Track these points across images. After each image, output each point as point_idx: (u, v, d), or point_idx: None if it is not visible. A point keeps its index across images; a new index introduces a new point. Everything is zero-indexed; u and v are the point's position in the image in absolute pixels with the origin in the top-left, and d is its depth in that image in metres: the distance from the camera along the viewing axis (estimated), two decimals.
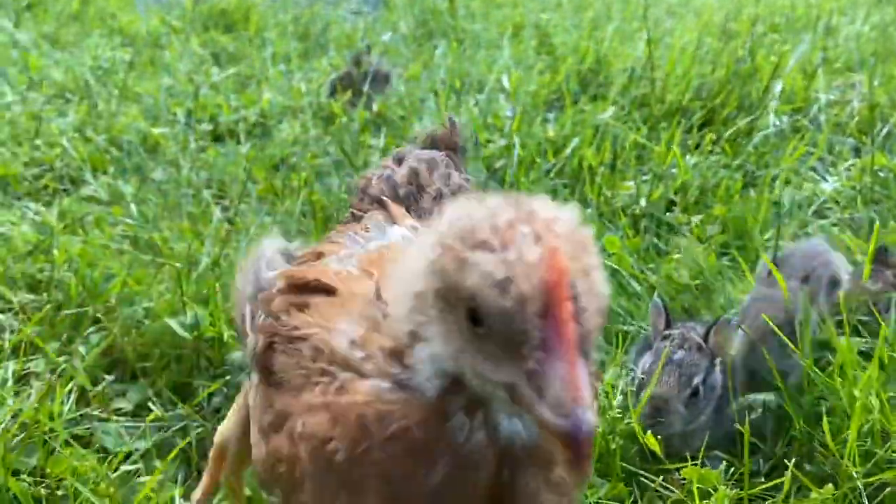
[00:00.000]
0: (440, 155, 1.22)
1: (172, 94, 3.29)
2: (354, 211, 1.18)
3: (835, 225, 2.28)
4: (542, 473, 0.67)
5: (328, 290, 0.87)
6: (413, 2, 5.03)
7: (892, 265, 1.83)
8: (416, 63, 3.75)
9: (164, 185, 2.35)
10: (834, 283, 1.68)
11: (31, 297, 1.77)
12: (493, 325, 0.62)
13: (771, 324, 1.38)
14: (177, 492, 1.32)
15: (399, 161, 1.20)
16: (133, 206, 2.15)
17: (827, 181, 2.55)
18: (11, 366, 1.52)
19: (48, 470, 1.31)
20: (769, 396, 1.34)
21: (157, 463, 1.36)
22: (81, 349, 1.55)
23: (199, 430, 1.45)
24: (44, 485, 1.29)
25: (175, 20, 4.62)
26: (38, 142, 2.65)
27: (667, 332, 1.39)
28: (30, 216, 2.20)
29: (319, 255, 1.00)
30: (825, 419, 1.26)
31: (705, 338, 1.37)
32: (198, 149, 2.77)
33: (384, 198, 1.14)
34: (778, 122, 2.86)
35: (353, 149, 2.74)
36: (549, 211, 0.66)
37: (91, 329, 1.62)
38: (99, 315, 1.65)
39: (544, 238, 0.62)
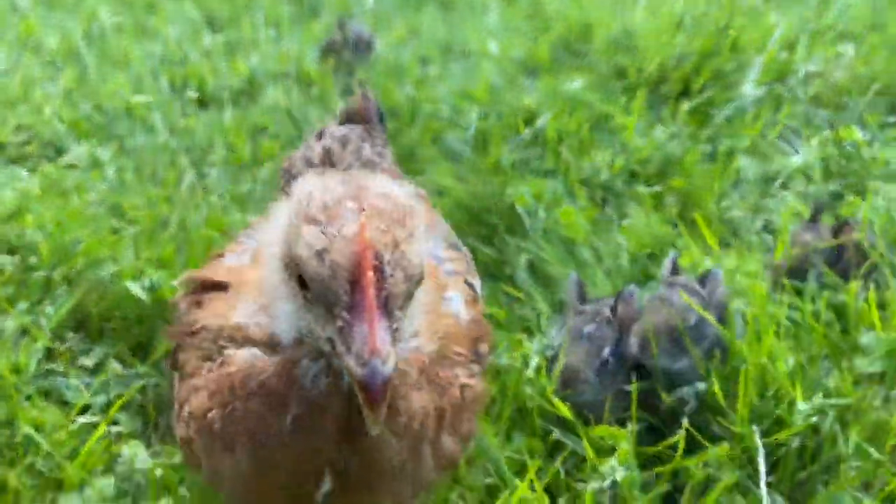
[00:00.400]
0: (356, 129, 1.28)
1: (162, 60, 3.37)
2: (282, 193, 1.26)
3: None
4: (386, 419, 0.76)
5: (220, 286, 0.96)
6: None
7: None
8: (400, 28, 3.78)
9: (141, 152, 2.44)
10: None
11: (8, 258, 1.88)
12: (314, 289, 0.73)
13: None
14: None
15: (319, 138, 1.27)
16: (111, 172, 2.24)
17: (797, 154, 2.58)
18: None
19: (16, 420, 1.43)
20: (684, 363, 1.41)
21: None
22: (49, 309, 1.66)
23: (157, 386, 1.56)
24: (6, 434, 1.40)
25: None
26: (24, 108, 2.74)
27: (581, 308, 1.48)
28: (12, 182, 2.30)
29: (220, 256, 1.08)
30: (716, 382, 1.35)
31: (613, 310, 1.45)
32: (182, 115, 2.85)
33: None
34: (755, 93, 2.88)
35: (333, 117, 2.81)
36: (381, 188, 0.75)
37: (59, 291, 1.72)
38: (69, 277, 1.76)
39: (371, 219, 0.71)
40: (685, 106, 2.73)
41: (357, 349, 0.69)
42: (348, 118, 1.36)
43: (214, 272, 1.01)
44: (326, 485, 0.87)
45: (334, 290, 0.71)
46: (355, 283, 0.70)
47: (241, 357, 0.84)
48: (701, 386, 1.39)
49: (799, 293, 1.72)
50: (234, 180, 2.35)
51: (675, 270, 1.62)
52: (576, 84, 2.72)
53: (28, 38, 3.64)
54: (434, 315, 0.93)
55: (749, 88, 2.91)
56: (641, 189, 2.24)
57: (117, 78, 3.06)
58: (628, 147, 2.43)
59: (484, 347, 1.03)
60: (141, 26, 3.92)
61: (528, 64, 3.26)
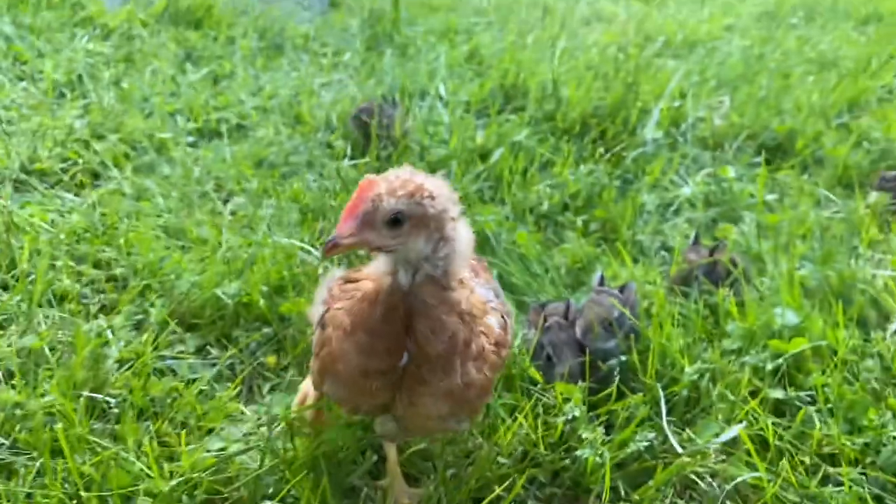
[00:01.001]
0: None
1: (158, 93, 3.87)
2: None
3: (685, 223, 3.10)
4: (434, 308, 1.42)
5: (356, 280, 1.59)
6: (361, 4, 5.66)
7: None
8: (366, 72, 4.40)
9: (174, 181, 2.99)
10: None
11: (96, 272, 2.42)
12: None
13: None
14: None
15: None
16: (160, 200, 2.79)
17: (686, 187, 3.36)
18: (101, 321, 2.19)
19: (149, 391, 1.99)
20: (612, 343, 2.13)
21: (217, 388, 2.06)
22: (151, 309, 2.23)
23: (242, 367, 2.15)
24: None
25: (142, 14, 5.09)
26: (58, 137, 3.21)
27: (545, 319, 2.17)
28: (69, 205, 2.81)
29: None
30: (634, 355, 2.07)
31: (564, 315, 2.16)
32: (191, 146, 3.40)
33: None
34: (655, 139, 3.66)
35: (321, 151, 3.42)
36: (420, 177, 1.39)
37: (154, 297, 2.29)
38: (163, 285, 2.33)
39: (390, 178, 1.36)
40: (601, 149, 3.49)
41: (337, 228, 1.34)
42: None
43: (360, 273, 1.60)
44: (405, 358, 1.45)
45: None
46: (347, 207, 1.35)
47: (367, 285, 1.47)
48: (623, 358, 2.11)
49: (686, 296, 2.47)
50: (254, 205, 2.92)
51: (602, 282, 2.33)
52: (521, 135, 3.41)
53: (24, 67, 4.05)
54: (477, 311, 1.57)
55: (650, 134, 3.69)
56: (572, 218, 2.96)
57: (131, 110, 3.55)
58: (561, 183, 3.16)
59: (503, 355, 1.61)
60: (125, 56, 4.38)
61: (473, 105, 3.94)
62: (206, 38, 4.77)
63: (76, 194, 2.95)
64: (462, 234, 1.44)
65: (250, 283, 2.27)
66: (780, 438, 1.92)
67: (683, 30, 5.43)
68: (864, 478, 1.82)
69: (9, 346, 2.02)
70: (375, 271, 1.47)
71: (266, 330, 2.23)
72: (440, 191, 1.39)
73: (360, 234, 1.34)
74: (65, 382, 1.87)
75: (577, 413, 1.91)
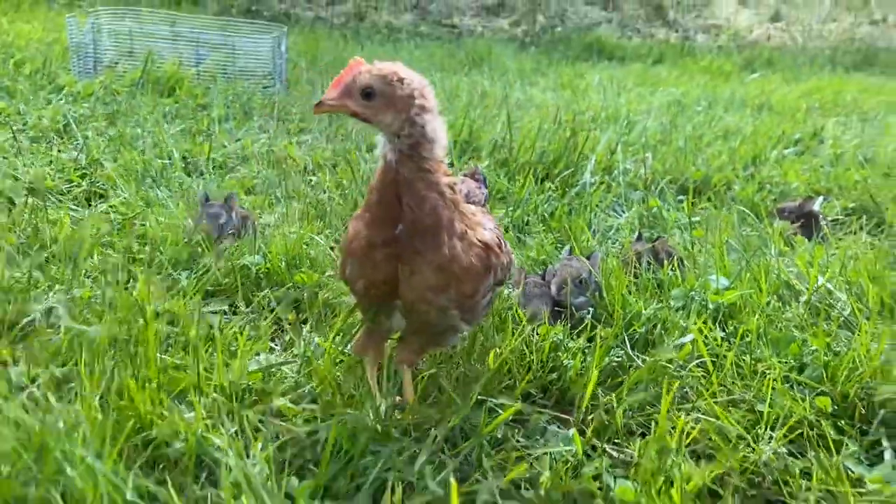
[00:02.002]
0: (468, 181, 2.38)
1: (145, 136, 4.22)
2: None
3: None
4: (414, 182, 1.72)
5: None
6: (313, 83, 6.21)
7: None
8: (331, 131, 4.89)
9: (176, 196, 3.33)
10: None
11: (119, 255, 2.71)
12: None
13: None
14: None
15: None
16: (170, 204, 3.12)
17: (621, 217, 3.89)
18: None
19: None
20: (582, 298, 2.54)
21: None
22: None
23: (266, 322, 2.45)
24: None
25: (114, 85, 5.48)
26: (61, 165, 3.51)
27: (528, 280, 2.59)
28: (83, 213, 3.09)
29: None
30: (598, 306, 2.50)
31: (542, 277, 2.58)
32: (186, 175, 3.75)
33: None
34: (592, 181, 4.22)
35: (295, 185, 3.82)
36: (400, 66, 1.72)
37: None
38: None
39: (374, 68, 1.70)
40: (549, 185, 4.02)
41: (325, 93, 1.70)
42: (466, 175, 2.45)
43: None
44: (400, 227, 1.73)
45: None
46: (336, 80, 1.69)
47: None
48: (592, 309, 2.52)
49: (635, 276, 2.93)
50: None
51: (571, 252, 2.76)
52: (482, 166, 3.91)
53: (6, 118, 4.36)
54: (465, 210, 1.87)
55: (587, 177, 4.25)
56: (535, 226, 3.43)
57: (128, 150, 3.88)
58: (522, 204, 3.64)
59: (495, 259, 1.90)
60: (103, 115, 4.73)
61: None
62: (180, 103, 5.18)
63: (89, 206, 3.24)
64: (433, 124, 1.73)
65: (272, 255, 2.60)
66: (723, 356, 2.34)
67: (606, 110, 6.17)
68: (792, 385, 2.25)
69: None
70: (377, 163, 1.78)
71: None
72: (412, 80, 1.70)
73: (341, 99, 1.68)
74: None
75: (560, 337, 2.30)
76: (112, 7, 6.56)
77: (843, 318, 2.65)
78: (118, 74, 5.65)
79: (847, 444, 2.04)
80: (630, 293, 2.63)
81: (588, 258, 2.71)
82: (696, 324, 2.40)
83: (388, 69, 1.70)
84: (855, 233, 3.83)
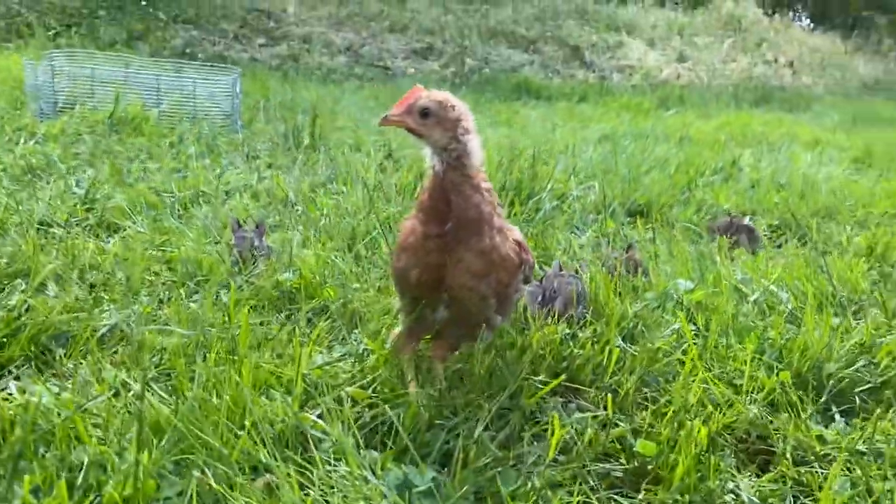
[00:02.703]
0: None
1: (133, 172, 4.42)
2: None
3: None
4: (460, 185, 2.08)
5: None
6: (272, 122, 6.50)
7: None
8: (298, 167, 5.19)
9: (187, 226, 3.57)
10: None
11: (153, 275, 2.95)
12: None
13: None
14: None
15: None
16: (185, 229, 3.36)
17: (580, 237, 4.34)
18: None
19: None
20: (580, 310, 2.95)
21: None
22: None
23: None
24: None
25: (77, 126, 5.60)
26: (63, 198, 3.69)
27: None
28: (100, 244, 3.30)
29: None
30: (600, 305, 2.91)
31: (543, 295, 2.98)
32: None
33: None
34: (550, 206, 4.66)
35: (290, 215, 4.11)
36: (451, 97, 2.09)
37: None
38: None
39: (431, 94, 2.08)
40: (514, 211, 4.43)
41: (392, 110, 2.06)
42: None
43: None
44: (449, 225, 2.06)
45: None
46: (400, 101, 2.05)
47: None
48: (586, 315, 2.93)
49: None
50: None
51: (561, 267, 3.16)
52: None
53: None
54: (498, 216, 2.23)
55: (546, 203, 4.70)
56: None
57: (123, 184, 4.08)
58: None
59: (523, 257, 2.38)
60: (81, 157, 4.88)
61: (403, 188, 4.80)
62: (151, 142, 5.38)
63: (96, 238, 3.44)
64: (473, 142, 2.08)
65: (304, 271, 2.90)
66: (700, 345, 2.78)
67: (547, 144, 6.69)
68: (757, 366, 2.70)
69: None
70: (426, 173, 2.15)
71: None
72: (461, 107, 2.08)
73: (402, 116, 2.05)
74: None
75: (567, 331, 2.68)
76: (67, 49, 6.69)
77: (787, 313, 3.15)
78: (78, 116, 5.78)
79: (807, 409, 2.50)
80: (615, 296, 3.04)
81: (576, 271, 3.11)
82: (676, 317, 2.83)
83: (441, 96, 2.07)
84: (783, 245, 4.40)
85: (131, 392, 2.00)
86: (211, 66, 7.33)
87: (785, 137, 8.44)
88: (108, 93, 6.07)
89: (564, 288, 2.97)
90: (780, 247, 4.42)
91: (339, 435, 1.88)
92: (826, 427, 2.43)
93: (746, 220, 4.46)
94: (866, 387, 2.64)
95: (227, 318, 2.24)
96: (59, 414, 1.82)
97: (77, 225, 3.56)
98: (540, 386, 2.30)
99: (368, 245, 3.46)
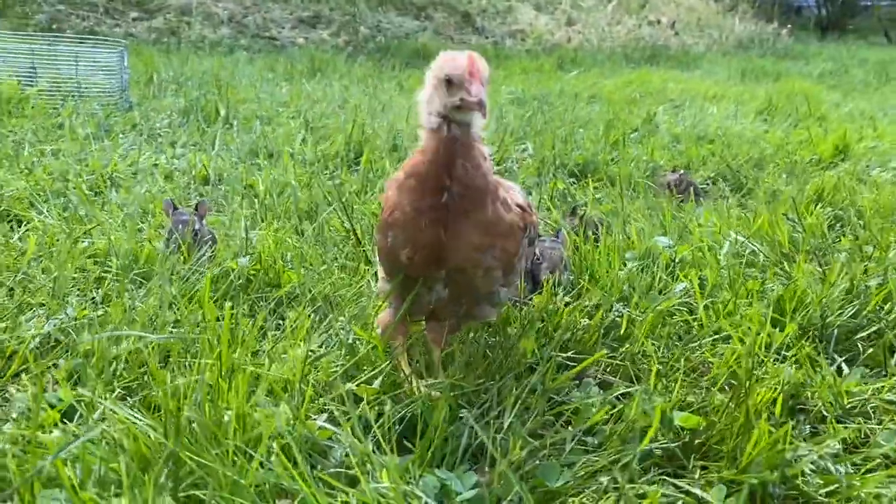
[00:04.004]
0: None
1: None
2: None
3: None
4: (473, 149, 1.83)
5: None
6: (164, 98, 5.92)
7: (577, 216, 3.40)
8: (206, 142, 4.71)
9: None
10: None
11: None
12: (455, 81, 1.73)
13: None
14: None
15: None
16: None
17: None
18: None
19: None
20: (566, 276, 2.73)
21: None
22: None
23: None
24: None
25: None
26: None
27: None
28: None
29: None
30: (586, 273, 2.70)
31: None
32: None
33: None
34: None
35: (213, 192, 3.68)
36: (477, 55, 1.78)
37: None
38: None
39: (471, 55, 1.75)
40: None
41: (473, 90, 1.69)
42: None
43: None
44: (446, 195, 1.80)
45: (461, 77, 1.71)
46: (472, 73, 1.71)
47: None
48: (570, 280, 2.72)
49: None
50: None
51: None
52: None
53: None
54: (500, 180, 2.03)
55: None
56: None
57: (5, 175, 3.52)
58: None
59: (527, 219, 2.05)
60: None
61: (329, 157, 4.44)
62: (36, 124, 4.74)
63: None
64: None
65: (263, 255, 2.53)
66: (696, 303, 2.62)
67: None
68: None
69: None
70: (428, 132, 1.84)
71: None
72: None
73: (485, 93, 1.75)
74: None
75: (558, 300, 2.46)
76: None
77: (762, 265, 3.05)
78: None
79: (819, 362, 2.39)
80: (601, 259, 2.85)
81: (556, 234, 2.89)
82: (683, 275, 2.67)
83: (476, 55, 1.77)
84: (724, 198, 4.35)
85: (96, 414, 1.61)
86: (93, 40, 6.62)
87: (686, 93, 8.54)
88: None
89: (548, 253, 2.75)
90: (723, 198, 4.37)
91: (356, 443, 1.57)
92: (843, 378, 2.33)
93: (681, 173, 4.39)
94: (865, 333, 2.56)
95: (202, 317, 1.86)
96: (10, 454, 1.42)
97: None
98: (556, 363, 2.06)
99: (320, 221, 3.10)
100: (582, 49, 13.13)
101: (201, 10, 11.56)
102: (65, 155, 4.08)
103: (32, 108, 5.09)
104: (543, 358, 2.06)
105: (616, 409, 1.99)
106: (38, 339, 1.98)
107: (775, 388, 2.02)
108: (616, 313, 2.48)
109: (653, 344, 2.36)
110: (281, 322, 2.35)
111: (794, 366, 2.24)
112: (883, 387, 2.19)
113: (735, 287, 2.71)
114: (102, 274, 2.51)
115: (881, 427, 2.05)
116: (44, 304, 2.19)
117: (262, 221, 3.05)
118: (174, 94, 6.19)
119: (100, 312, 2.19)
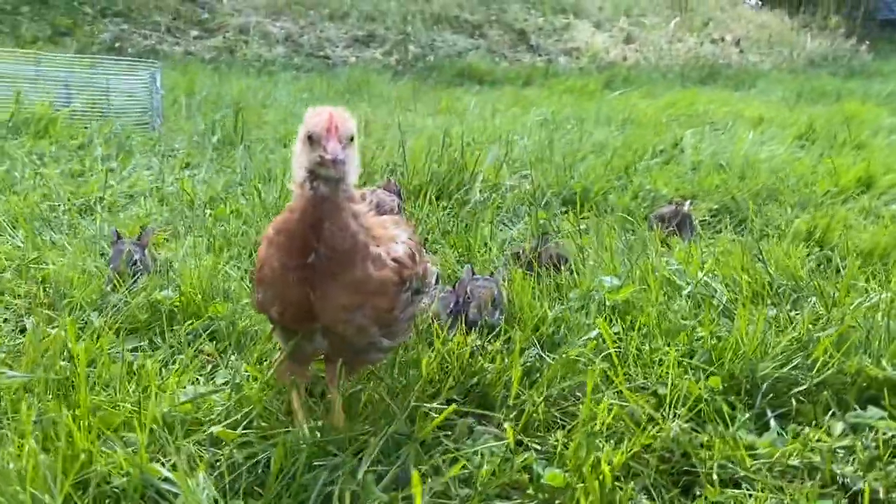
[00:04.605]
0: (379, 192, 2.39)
1: (26, 179, 4.06)
2: None
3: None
4: (342, 211, 1.79)
5: None
6: (193, 118, 6.15)
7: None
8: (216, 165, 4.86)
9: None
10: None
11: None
12: (314, 137, 1.71)
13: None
14: None
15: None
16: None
17: (512, 229, 4.10)
18: None
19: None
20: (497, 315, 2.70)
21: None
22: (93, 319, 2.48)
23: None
24: None
25: None
26: None
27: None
28: None
29: None
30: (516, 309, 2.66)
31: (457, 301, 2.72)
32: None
33: None
34: (480, 197, 4.42)
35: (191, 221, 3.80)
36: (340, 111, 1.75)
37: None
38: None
39: (331, 112, 1.72)
40: (443, 203, 4.18)
41: (329, 147, 1.66)
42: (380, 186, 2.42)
43: None
44: (313, 256, 1.77)
45: (320, 134, 1.69)
46: (328, 129, 1.67)
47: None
48: (501, 320, 2.68)
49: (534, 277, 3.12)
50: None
51: (473, 272, 2.91)
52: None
53: None
54: (378, 231, 1.96)
55: (476, 195, 4.45)
56: (437, 243, 3.57)
57: (8, 195, 3.73)
58: (422, 223, 3.78)
59: (404, 274, 1.97)
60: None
61: None
62: (57, 144, 5.00)
63: None
64: (355, 154, 1.82)
65: (186, 288, 2.60)
66: (623, 350, 2.55)
67: (484, 133, 6.44)
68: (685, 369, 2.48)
69: None
70: (298, 188, 1.82)
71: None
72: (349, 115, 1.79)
73: (343, 150, 1.70)
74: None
75: (478, 342, 2.43)
76: None
77: (721, 307, 2.94)
78: None
79: (738, 416, 2.28)
80: (534, 298, 2.80)
81: (490, 275, 2.86)
82: (598, 321, 2.60)
83: (346, 114, 1.76)
84: (720, 231, 4.21)
85: None
86: (131, 60, 6.93)
87: (729, 115, 8.29)
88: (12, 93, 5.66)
89: (477, 293, 2.72)
90: (719, 232, 4.23)
91: (189, 490, 1.60)
92: (760, 436, 2.22)
93: (686, 206, 4.27)
94: (803, 388, 2.43)
95: (67, 351, 1.93)
96: None
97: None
98: (435, 414, 2.04)
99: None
100: (637, 68, 12.92)
101: (258, 30, 11.94)
102: (65, 177, 4.28)
103: (60, 128, 5.36)
104: (409, 404, 2.04)
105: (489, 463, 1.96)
106: None
107: (649, 446, 1.95)
108: (529, 358, 2.43)
109: (561, 392, 2.31)
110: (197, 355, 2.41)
111: (689, 422, 2.16)
112: (786, 452, 2.08)
113: (664, 332, 2.63)
114: (44, 300, 2.63)
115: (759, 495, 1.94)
116: None
117: (212, 251, 3.13)
118: (201, 115, 6.41)
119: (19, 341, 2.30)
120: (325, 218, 1.78)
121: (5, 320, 2.48)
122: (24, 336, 2.35)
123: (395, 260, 1.96)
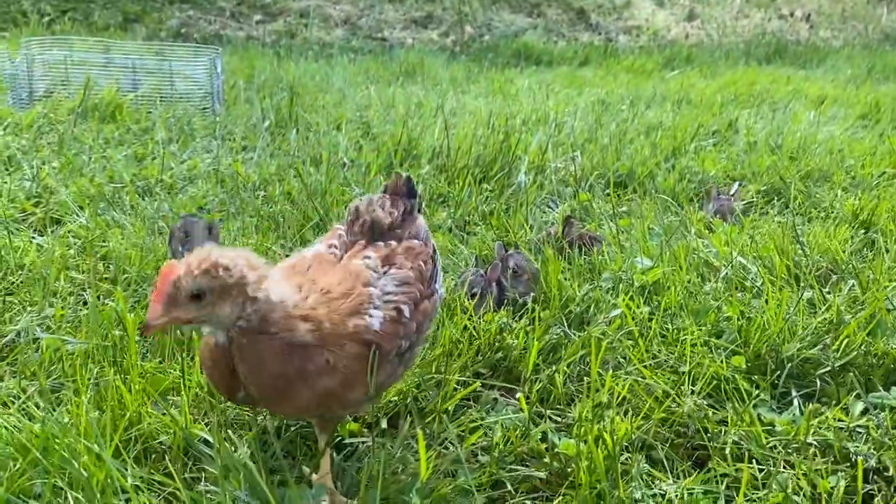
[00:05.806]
0: (381, 198, 2.03)
1: (94, 162, 4.32)
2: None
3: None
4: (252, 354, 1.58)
5: None
6: (251, 102, 6.36)
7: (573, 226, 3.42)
8: (272, 147, 5.05)
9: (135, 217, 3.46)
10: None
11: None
12: None
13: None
14: None
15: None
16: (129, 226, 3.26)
17: (554, 211, 4.17)
18: None
19: None
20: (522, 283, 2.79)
21: None
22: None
23: None
24: None
25: (52, 114, 5.52)
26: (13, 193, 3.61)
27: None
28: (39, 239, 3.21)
29: None
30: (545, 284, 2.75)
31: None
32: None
33: (339, 224, 2.05)
34: (526, 181, 4.48)
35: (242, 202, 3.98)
36: (216, 254, 1.52)
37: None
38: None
39: (188, 261, 1.51)
40: (486, 186, 4.27)
41: (149, 310, 1.47)
42: (385, 190, 2.09)
43: None
44: (241, 393, 1.62)
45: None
46: (155, 290, 1.47)
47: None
48: (532, 294, 2.77)
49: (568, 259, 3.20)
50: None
51: (504, 248, 3.00)
52: (424, 170, 4.15)
53: None
54: (331, 325, 1.64)
55: (522, 176, 4.51)
56: (477, 225, 3.67)
57: (78, 177, 3.98)
58: (463, 205, 3.88)
59: (388, 344, 1.71)
60: (52, 146, 4.80)
61: (377, 164, 4.65)
62: (122, 128, 5.27)
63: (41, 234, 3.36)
64: (276, 286, 1.59)
65: None
66: (650, 327, 2.61)
67: (536, 112, 6.47)
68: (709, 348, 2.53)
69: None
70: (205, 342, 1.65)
71: None
72: (235, 262, 1.53)
73: (169, 313, 1.47)
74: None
75: (505, 320, 2.54)
76: (41, 37, 6.59)
77: (755, 288, 2.96)
78: (55, 104, 5.70)
79: (761, 396, 2.33)
80: (566, 279, 2.88)
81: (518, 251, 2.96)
82: (623, 300, 2.67)
83: (207, 263, 1.51)
84: (766, 213, 4.19)
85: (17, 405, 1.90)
86: (195, 46, 7.19)
87: (790, 95, 8.10)
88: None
89: (524, 265, 2.83)
90: (766, 214, 4.21)
91: (225, 449, 1.76)
92: (780, 415, 2.27)
93: (733, 189, 4.26)
94: (828, 369, 2.46)
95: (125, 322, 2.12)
96: None
97: (23, 221, 3.47)
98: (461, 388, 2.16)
99: (318, 230, 3.32)
100: (699, 46, 12.66)
101: (319, 13, 12.15)
102: (129, 159, 4.53)
103: (126, 112, 5.64)
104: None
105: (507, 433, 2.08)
106: (10, 336, 2.31)
107: (666, 420, 2.02)
108: (553, 335, 2.52)
109: (584, 367, 2.40)
110: None
111: (706, 398, 2.22)
112: (802, 428, 2.12)
113: (692, 312, 2.68)
114: (106, 275, 2.84)
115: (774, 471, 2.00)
116: (36, 304, 2.53)
117: (257, 232, 3.30)
118: (259, 99, 6.62)
119: (83, 312, 2.51)
120: (239, 362, 1.58)
121: (70, 293, 2.69)
122: (86, 308, 2.55)
123: (365, 342, 1.68)
